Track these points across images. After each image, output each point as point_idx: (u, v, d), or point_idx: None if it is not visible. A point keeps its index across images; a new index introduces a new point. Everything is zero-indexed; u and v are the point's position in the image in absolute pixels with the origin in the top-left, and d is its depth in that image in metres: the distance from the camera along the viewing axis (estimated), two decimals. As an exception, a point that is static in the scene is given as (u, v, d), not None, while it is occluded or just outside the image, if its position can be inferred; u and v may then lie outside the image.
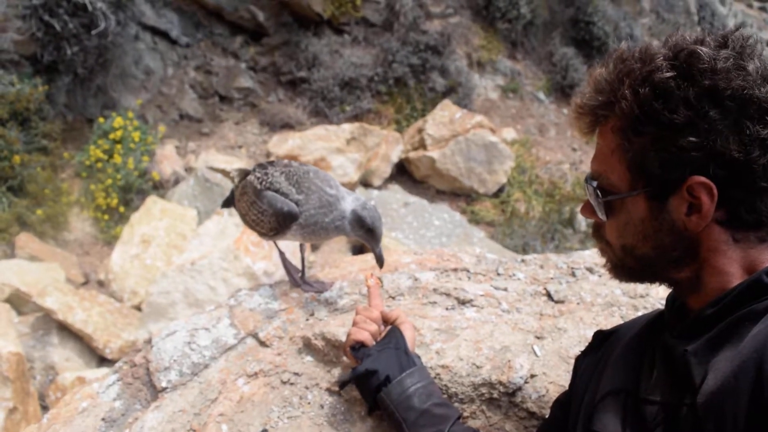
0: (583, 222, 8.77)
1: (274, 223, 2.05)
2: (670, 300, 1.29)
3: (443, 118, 9.02)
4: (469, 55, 10.64)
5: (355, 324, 1.70)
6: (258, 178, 2.14)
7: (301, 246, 2.35)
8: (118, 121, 7.59)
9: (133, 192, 7.40)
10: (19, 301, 5.83)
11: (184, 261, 5.59)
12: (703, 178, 1.06)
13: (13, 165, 7.01)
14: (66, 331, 5.48)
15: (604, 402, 1.27)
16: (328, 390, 1.82)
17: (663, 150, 1.09)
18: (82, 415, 1.82)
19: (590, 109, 1.19)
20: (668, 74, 1.07)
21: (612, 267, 1.29)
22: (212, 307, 2.15)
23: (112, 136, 7.57)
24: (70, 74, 7.71)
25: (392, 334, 1.66)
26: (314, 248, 6.77)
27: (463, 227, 7.40)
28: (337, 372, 1.85)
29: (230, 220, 6.03)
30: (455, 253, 2.47)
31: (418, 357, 1.67)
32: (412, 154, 8.87)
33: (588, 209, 1.26)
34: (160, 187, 7.61)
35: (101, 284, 6.50)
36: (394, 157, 8.73)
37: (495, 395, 1.69)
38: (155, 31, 8.88)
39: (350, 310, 2.08)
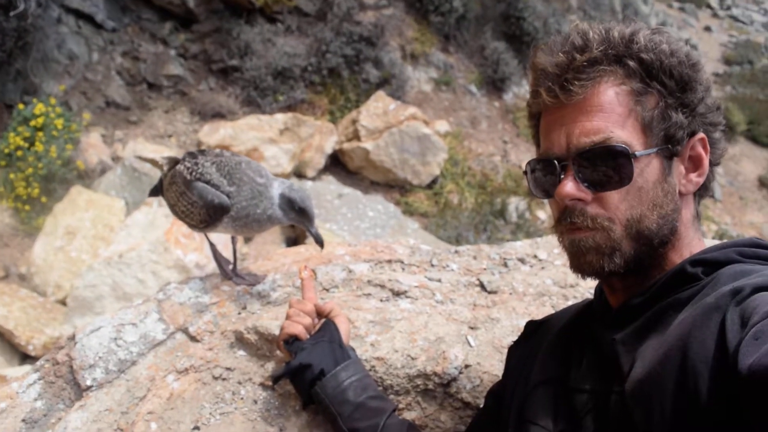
0: (514, 213, 8.93)
1: (204, 215, 1.99)
2: (598, 290, 1.29)
3: (377, 109, 9.02)
4: (403, 48, 10.66)
5: (288, 317, 1.67)
6: (188, 168, 2.06)
7: (233, 238, 2.29)
8: (39, 108, 7.28)
9: (56, 181, 7.11)
10: (-69, 297, 5.55)
11: (111, 253, 5.42)
12: (703, 134, 1.13)
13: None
14: (-15, 327, 5.24)
15: (535, 391, 1.27)
16: (262, 385, 1.78)
17: (681, 106, 1.12)
18: (0, 416, 1.73)
19: (594, 61, 1.12)
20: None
21: (599, 254, 1.13)
22: (140, 301, 2.08)
23: (33, 123, 7.24)
24: (-13, 58, 7.36)
25: (326, 327, 1.64)
26: (247, 240, 6.67)
27: (397, 218, 7.42)
28: (270, 366, 1.82)
29: (160, 210, 5.87)
30: (389, 245, 2.46)
31: (353, 350, 1.65)
32: (346, 146, 8.84)
33: (576, 187, 1.12)
34: (85, 177, 7.34)
35: (22, 278, 6.22)
36: (328, 149, 8.68)
37: (430, 386, 1.69)
38: (79, 15, 8.55)
39: (283, 303, 2.04)
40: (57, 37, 8.22)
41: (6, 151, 7.12)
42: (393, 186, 8.99)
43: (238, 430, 1.66)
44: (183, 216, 2.09)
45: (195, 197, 1.99)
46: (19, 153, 7.08)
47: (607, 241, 1.12)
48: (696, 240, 1.18)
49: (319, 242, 1.91)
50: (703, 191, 1.20)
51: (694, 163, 1.15)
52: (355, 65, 9.82)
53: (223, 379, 1.80)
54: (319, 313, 1.70)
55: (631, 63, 1.11)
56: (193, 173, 2.03)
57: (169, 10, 9.36)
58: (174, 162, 2.20)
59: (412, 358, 1.72)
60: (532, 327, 1.48)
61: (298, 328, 1.62)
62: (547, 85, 1.15)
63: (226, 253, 2.27)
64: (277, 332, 1.78)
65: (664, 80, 1.11)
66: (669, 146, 1.11)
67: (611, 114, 1.10)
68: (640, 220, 1.11)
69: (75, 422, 1.66)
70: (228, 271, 2.18)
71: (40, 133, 7.23)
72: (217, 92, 9.20)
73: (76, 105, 8.27)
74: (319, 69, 9.59)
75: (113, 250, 5.50)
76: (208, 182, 1.99)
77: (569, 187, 1.12)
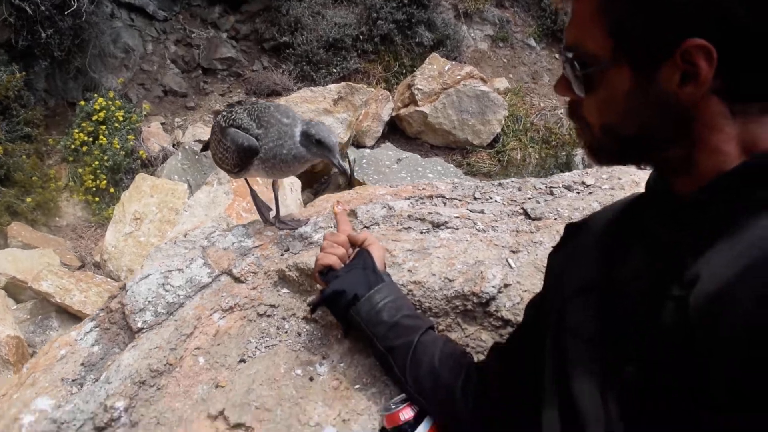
0: (580, 165, 8.69)
1: (236, 159, 2.01)
2: (651, 181, 1.13)
3: (432, 71, 8.89)
4: (456, 7, 10.46)
5: (322, 249, 1.66)
6: (224, 117, 2.11)
7: (274, 185, 2.30)
8: (99, 102, 7.49)
9: (122, 172, 7.31)
10: (15, 289, 5.79)
11: (176, 233, 5.53)
12: (701, 41, 0.90)
13: (-2, 156, 6.95)
14: (65, 313, 5.43)
15: (575, 297, 1.17)
16: (305, 318, 1.79)
17: (654, 7, 0.93)
18: (61, 362, 1.80)
19: None
20: None
21: (590, 150, 1.13)
22: (185, 249, 2.11)
23: (95, 117, 7.47)
24: (47, 58, 7.59)
25: (360, 255, 1.62)
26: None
27: (459, 178, 7.30)
28: (313, 299, 1.81)
29: (220, 189, 5.95)
30: (431, 183, 2.41)
31: (388, 275, 1.62)
32: (403, 111, 8.76)
33: (563, 85, 1.10)
34: (148, 165, 7.53)
35: (97, 266, 6.45)
36: (385, 116, 8.62)
37: (469, 306, 1.64)
38: (131, 8, 8.73)
39: (324, 243, 2.04)
40: (112, 32, 8.43)
41: (72, 147, 7.38)
42: (454, 148, 8.86)
43: (282, 359, 1.68)
44: (221, 163, 2.13)
45: (228, 142, 2.03)
46: (85, 148, 7.31)
47: (591, 140, 1.10)
48: (750, 134, 0.96)
49: (343, 173, 1.90)
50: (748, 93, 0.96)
51: (688, 76, 0.93)
52: (408, 30, 9.66)
53: (268, 316, 1.81)
54: (353, 243, 1.68)
55: None
56: (228, 121, 2.07)
57: (218, -6, 9.47)
58: (216, 114, 2.26)
59: (450, 281, 1.68)
60: (572, 229, 1.35)
61: (331, 259, 1.61)
62: None
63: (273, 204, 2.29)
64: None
65: None
66: (637, 55, 0.97)
67: (580, 21, 1.03)
68: (614, 128, 1.04)
69: (127, 360, 1.71)
70: (268, 217, 2.19)
71: (103, 127, 7.45)
72: (270, 71, 9.26)
73: (135, 96, 8.49)
74: (371, 37, 9.49)
75: (178, 230, 5.61)
76: (239, 127, 2.01)
77: (557, 85, 1.11)
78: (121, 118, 7.51)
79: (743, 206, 0.91)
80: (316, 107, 7.84)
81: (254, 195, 2.25)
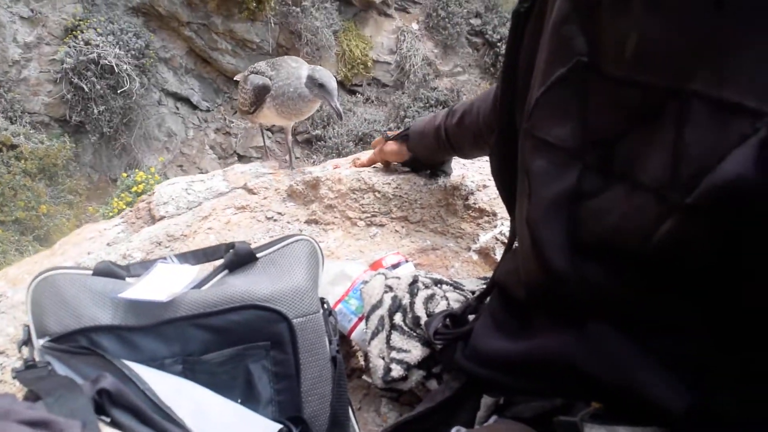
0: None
1: (252, 97, 2.27)
2: None
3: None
4: (479, 111, 10.97)
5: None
6: (249, 70, 2.39)
7: (287, 136, 2.56)
8: (140, 175, 7.95)
9: (156, 239, 7.64)
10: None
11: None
12: None
13: (40, 215, 7.33)
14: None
15: (551, 88, 0.80)
16: (307, 221, 1.97)
17: None
18: (89, 241, 1.98)
19: None
20: None
21: None
22: (207, 174, 2.33)
23: (134, 189, 7.89)
24: (96, 134, 8.14)
25: None
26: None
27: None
28: (315, 206, 2.00)
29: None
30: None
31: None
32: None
33: None
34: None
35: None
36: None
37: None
38: (177, 97, 9.38)
39: (334, 180, 2.23)
40: (157, 116, 9.04)
41: (110, 215, 7.75)
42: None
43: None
44: (242, 106, 2.38)
45: (248, 86, 2.29)
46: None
47: None
48: None
49: (338, 115, 2.13)
50: None
51: None
52: (433, 130, 10.13)
53: (275, 220, 1.99)
54: None
55: None
56: (250, 71, 2.35)
57: (257, 91, 10.09)
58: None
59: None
60: None
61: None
62: None
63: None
64: (319, 175, 1.99)
65: None
66: None
67: None
68: None
69: (148, 231, 1.89)
70: (280, 163, 2.42)
71: (140, 198, 7.85)
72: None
73: (173, 176, 8.94)
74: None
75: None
76: (257, 73, 2.29)
77: None
78: (158, 191, 7.92)
79: None
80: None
81: (265, 143, 2.50)
